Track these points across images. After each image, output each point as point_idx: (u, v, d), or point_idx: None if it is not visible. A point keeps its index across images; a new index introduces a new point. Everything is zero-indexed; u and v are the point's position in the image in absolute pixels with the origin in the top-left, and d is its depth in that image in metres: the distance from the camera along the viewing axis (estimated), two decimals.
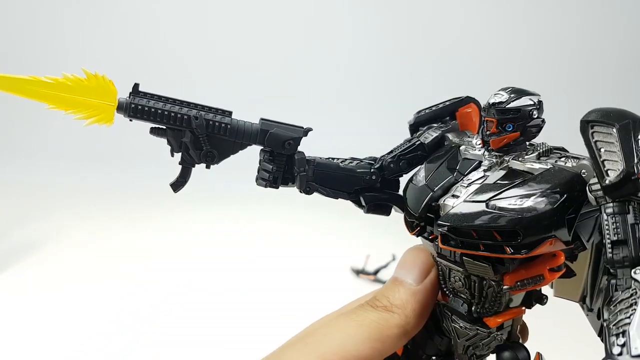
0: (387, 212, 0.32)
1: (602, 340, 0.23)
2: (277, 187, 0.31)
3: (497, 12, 1.71)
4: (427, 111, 0.33)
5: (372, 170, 0.32)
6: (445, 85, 1.67)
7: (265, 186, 0.31)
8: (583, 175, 0.25)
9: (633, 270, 0.23)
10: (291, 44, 1.61)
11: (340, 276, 0.85)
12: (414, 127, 0.33)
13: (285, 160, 0.31)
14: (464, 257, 0.26)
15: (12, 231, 0.97)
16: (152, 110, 0.29)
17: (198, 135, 0.29)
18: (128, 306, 0.75)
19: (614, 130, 0.23)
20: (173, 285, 0.82)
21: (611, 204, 0.23)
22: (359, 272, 0.81)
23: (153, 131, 0.29)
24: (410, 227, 0.28)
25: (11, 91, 0.23)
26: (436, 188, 0.27)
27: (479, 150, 0.28)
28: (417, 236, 0.28)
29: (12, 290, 0.77)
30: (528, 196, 0.24)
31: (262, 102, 1.43)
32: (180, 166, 0.30)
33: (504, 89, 0.27)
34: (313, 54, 1.61)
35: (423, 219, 0.27)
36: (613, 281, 0.24)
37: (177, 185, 0.30)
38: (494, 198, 0.24)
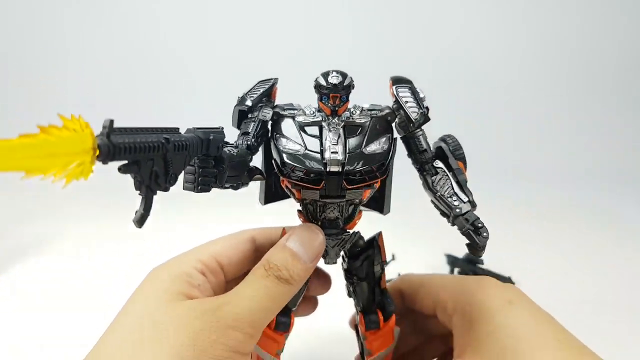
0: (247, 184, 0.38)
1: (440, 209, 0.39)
2: (222, 186, 0.34)
3: (497, 12, 1.71)
4: (255, 95, 0.39)
5: (248, 152, 0.36)
6: (445, 85, 1.67)
7: (209, 189, 0.33)
8: (388, 119, 0.39)
9: (434, 162, 0.39)
10: (291, 44, 1.61)
11: (339, 274, 0.86)
12: (249, 110, 0.39)
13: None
14: (347, 190, 0.36)
15: (14, 231, 0.97)
16: (137, 146, 0.25)
17: (168, 159, 0.27)
18: None
19: (407, 88, 0.39)
20: None
21: (417, 131, 0.39)
22: None
23: (124, 169, 0.26)
24: (315, 183, 0.36)
25: None
26: (319, 150, 0.36)
27: (316, 117, 0.37)
28: (322, 188, 0.36)
29: (14, 290, 0.77)
30: (378, 140, 0.37)
31: None
32: (143, 199, 0.27)
33: (334, 72, 0.37)
34: (313, 54, 1.61)
35: (326, 174, 0.35)
36: (425, 174, 0.39)
37: (142, 220, 0.27)
38: (364, 147, 0.36)
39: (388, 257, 0.81)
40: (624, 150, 1.65)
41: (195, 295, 0.35)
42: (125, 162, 0.25)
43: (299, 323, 0.46)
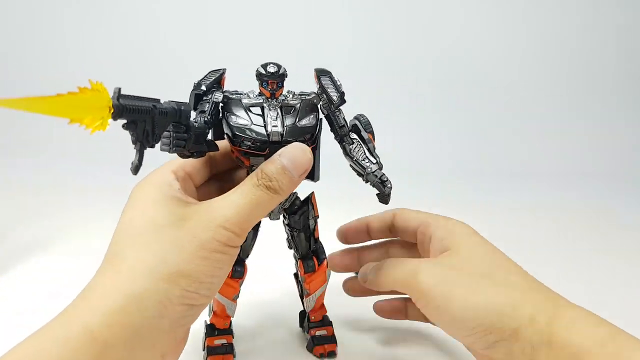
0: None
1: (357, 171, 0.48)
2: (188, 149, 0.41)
3: (497, 12, 1.71)
4: (208, 82, 0.46)
5: (206, 126, 0.43)
6: (445, 85, 1.67)
7: (182, 150, 0.40)
8: (314, 102, 0.48)
9: (350, 135, 0.48)
10: (291, 45, 1.61)
11: (339, 274, 0.86)
12: (204, 93, 0.46)
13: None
14: None
15: (15, 231, 0.97)
16: (136, 108, 0.34)
17: (155, 122, 0.36)
18: None
19: (328, 77, 0.48)
20: None
21: (336, 111, 0.48)
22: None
23: (126, 126, 0.34)
24: (261, 150, 0.44)
25: (34, 110, 0.26)
26: (263, 124, 0.44)
27: (259, 99, 0.46)
28: (267, 154, 0.44)
29: (16, 291, 0.77)
30: (308, 117, 0.46)
31: None
32: (137, 152, 0.35)
33: (271, 63, 0.46)
34: (313, 54, 1.61)
35: (269, 143, 0.44)
36: (344, 144, 0.49)
37: (137, 169, 0.36)
38: (297, 122, 0.45)
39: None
40: (625, 150, 1.65)
41: (177, 197, 0.41)
42: (126, 121, 0.33)
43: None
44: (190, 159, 0.45)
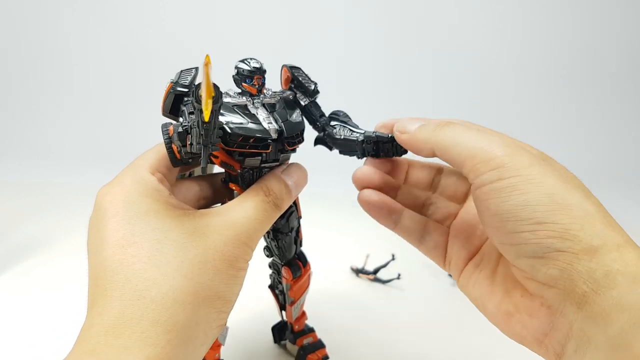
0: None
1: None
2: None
3: (497, 7, 1.71)
4: (186, 82, 0.43)
5: None
6: (444, 78, 1.67)
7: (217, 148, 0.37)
8: (291, 98, 0.46)
9: (330, 122, 0.47)
10: (292, 44, 1.61)
11: (339, 275, 0.85)
12: (185, 94, 0.43)
13: None
14: (281, 154, 0.43)
15: (15, 231, 0.97)
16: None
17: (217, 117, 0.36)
18: None
19: (301, 70, 0.47)
20: None
21: (312, 101, 0.47)
22: (358, 272, 0.81)
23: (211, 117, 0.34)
24: (265, 148, 0.42)
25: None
26: (258, 122, 0.42)
27: (239, 97, 0.43)
28: (271, 152, 0.43)
29: (15, 291, 0.77)
30: (295, 112, 0.45)
31: None
32: (204, 153, 0.34)
33: (251, 58, 0.44)
34: (314, 53, 1.61)
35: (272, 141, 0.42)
36: (326, 131, 0.47)
37: (206, 169, 0.36)
38: (289, 118, 0.43)
39: (388, 258, 0.81)
40: (624, 149, 1.65)
41: (173, 204, 0.38)
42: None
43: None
44: (161, 155, 0.41)
